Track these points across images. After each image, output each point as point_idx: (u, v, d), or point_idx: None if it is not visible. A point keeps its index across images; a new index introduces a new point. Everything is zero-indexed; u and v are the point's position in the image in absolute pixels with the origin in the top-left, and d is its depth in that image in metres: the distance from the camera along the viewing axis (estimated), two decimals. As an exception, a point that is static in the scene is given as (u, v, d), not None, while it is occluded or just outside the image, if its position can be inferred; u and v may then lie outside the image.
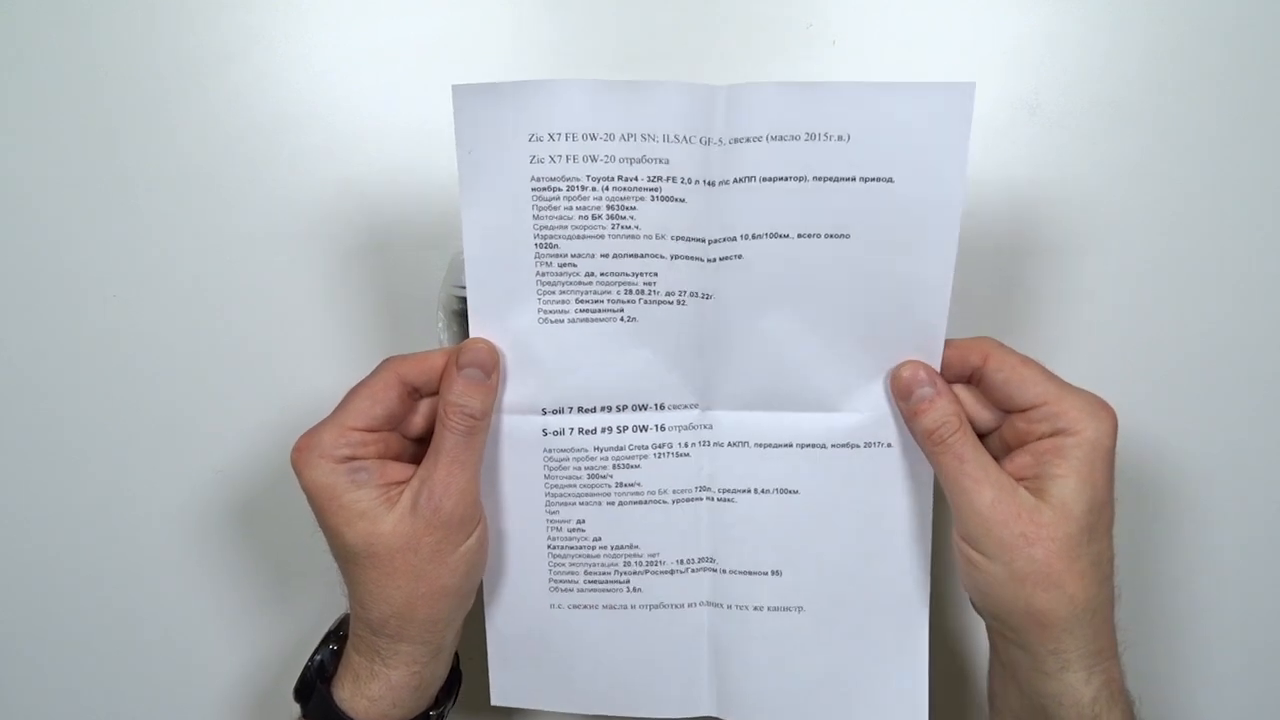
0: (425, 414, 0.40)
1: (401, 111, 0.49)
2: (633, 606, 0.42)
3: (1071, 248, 0.49)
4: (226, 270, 0.50)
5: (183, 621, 0.53)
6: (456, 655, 0.44)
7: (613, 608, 0.42)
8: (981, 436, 0.40)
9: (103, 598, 0.52)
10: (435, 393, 0.39)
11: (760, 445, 0.41)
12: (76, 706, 0.53)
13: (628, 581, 0.42)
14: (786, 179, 0.37)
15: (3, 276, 0.50)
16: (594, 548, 0.42)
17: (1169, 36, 0.48)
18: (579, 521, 0.42)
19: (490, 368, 0.39)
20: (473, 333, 0.39)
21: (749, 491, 0.42)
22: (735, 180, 0.37)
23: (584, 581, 0.42)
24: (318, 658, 0.42)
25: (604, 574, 0.42)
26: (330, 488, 0.37)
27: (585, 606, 0.42)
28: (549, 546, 0.42)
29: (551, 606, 0.42)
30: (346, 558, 0.38)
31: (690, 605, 0.43)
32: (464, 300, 0.40)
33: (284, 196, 0.50)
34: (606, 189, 0.37)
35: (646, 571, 0.42)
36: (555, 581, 0.42)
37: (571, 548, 0.42)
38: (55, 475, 0.51)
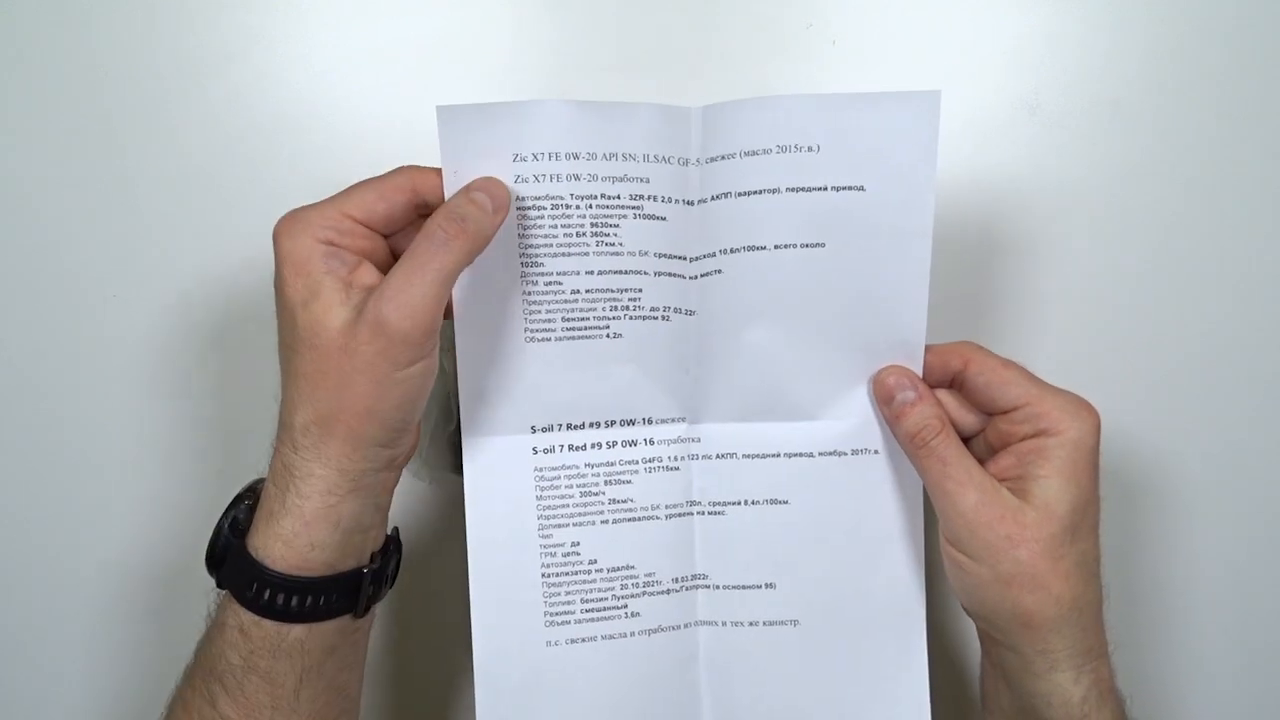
0: None
1: (402, 112, 0.49)
2: (632, 634, 0.42)
3: (1070, 247, 0.49)
4: (227, 270, 0.50)
5: (182, 620, 0.53)
6: (397, 531, 0.42)
7: (612, 637, 0.41)
8: (966, 441, 0.40)
9: (103, 597, 0.52)
10: None
11: (748, 456, 0.41)
12: (76, 705, 0.53)
13: (625, 606, 0.41)
14: (760, 192, 0.38)
15: (3, 276, 0.50)
16: (590, 572, 0.41)
17: (1169, 36, 0.48)
18: (573, 544, 0.41)
19: (500, 203, 0.36)
20: (460, 351, 0.39)
21: (739, 504, 0.42)
22: (713, 198, 0.38)
23: (581, 611, 0.41)
24: (231, 515, 0.39)
25: (601, 599, 0.41)
26: (303, 261, 0.36)
27: (584, 640, 0.41)
28: (544, 575, 0.41)
29: (548, 644, 0.41)
30: (290, 343, 0.36)
31: (686, 626, 0.42)
32: None
33: (284, 196, 0.49)
34: (590, 207, 0.38)
35: (644, 593, 0.42)
36: (551, 615, 0.41)
37: (567, 574, 0.41)
38: (55, 475, 0.51)
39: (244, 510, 0.38)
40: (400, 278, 0.35)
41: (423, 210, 0.38)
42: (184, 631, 0.54)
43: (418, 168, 0.38)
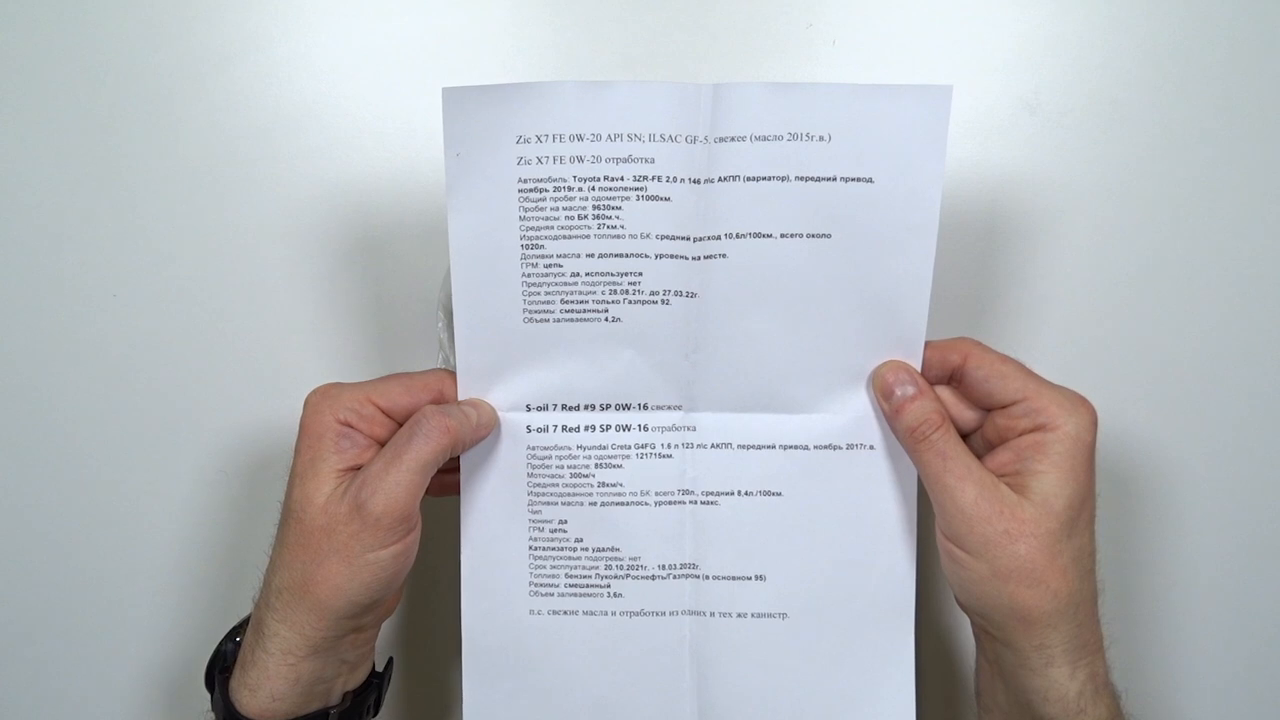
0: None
1: (401, 112, 0.49)
2: (613, 613, 0.42)
3: (1070, 247, 0.49)
4: (227, 270, 0.50)
5: (183, 621, 0.53)
6: (390, 662, 0.44)
7: (592, 614, 0.42)
8: (964, 436, 0.40)
9: (103, 597, 0.52)
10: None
11: (743, 447, 0.41)
12: (76, 706, 0.53)
13: (608, 586, 0.42)
14: (770, 179, 0.38)
15: (3, 276, 0.50)
16: (575, 549, 0.42)
17: (1169, 36, 0.48)
18: (561, 522, 0.42)
19: (485, 423, 0.40)
20: (458, 329, 0.40)
21: (732, 494, 0.42)
22: (720, 179, 0.38)
23: (565, 585, 0.42)
24: (223, 648, 0.42)
25: (585, 577, 0.42)
26: (316, 436, 0.38)
27: (565, 612, 0.42)
28: (530, 548, 0.42)
29: (531, 612, 0.42)
30: (286, 509, 0.39)
31: (672, 614, 0.42)
32: None
33: (284, 196, 0.50)
34: (593, 189, 0.38)
35: (627, 575, 0.42)
36: (536, 585, 0.42)
37: (553, 549, 0.42)
38: (55, 475, 0.51)
39: (231, 648, 0.41)
40: (380, 465, 0.37)
41: None
42: (181, 632, 0.54)
43: (450, 374, 0.40)
